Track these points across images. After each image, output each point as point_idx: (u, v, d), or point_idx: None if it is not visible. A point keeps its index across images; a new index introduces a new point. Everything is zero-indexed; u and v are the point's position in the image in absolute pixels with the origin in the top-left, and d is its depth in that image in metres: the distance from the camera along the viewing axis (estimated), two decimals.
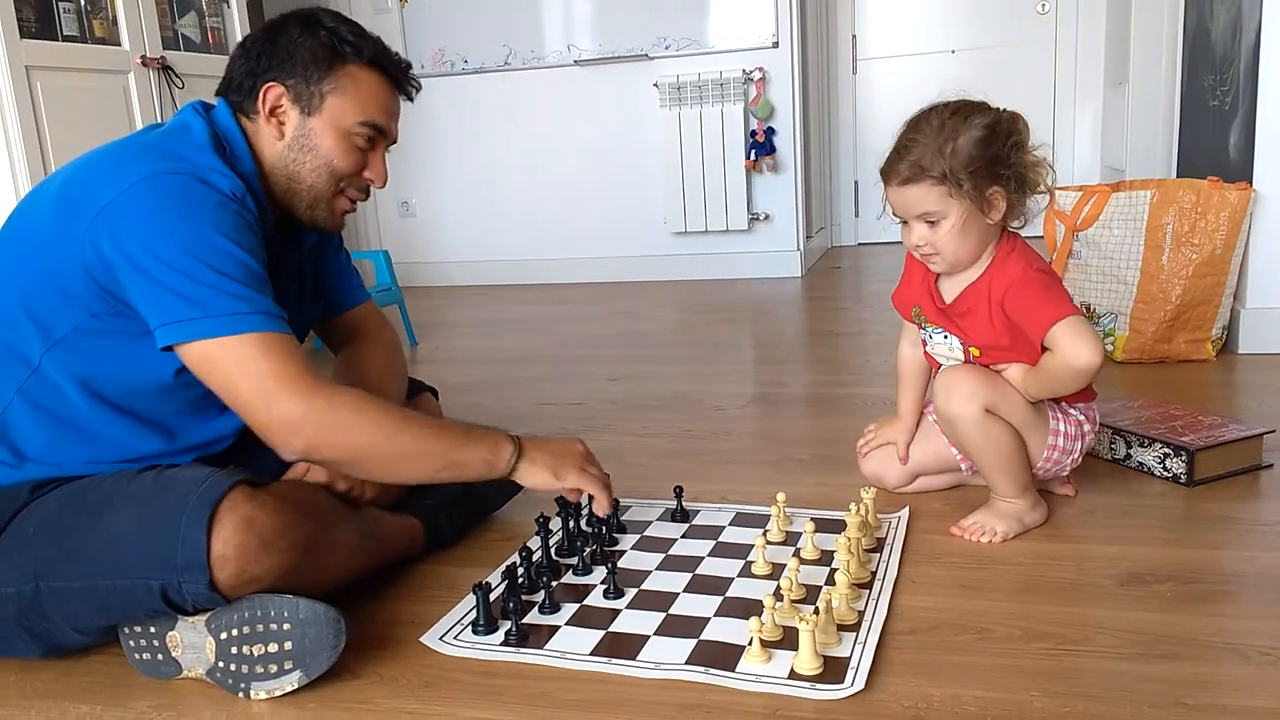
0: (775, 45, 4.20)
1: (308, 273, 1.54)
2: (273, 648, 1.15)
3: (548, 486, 1.38)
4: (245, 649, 1.15)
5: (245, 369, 1.17)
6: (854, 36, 5.12)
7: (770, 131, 4.26)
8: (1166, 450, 1.66)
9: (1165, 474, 1.67)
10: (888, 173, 1.44)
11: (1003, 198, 1.41)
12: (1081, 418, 1.54)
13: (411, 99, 1.44)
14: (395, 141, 1.42)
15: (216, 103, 1.36)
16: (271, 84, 1.31)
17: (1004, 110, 1.43)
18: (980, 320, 1.48)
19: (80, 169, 1.24)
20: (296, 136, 1.33)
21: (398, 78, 1.39)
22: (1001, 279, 1.45)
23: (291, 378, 1.18)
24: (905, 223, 1.47)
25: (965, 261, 1.47)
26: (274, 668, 1.15)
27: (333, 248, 1.59)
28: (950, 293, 1.52)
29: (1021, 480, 1.49)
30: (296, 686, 1.15)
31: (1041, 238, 2.63)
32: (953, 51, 4.91)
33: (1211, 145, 2.83)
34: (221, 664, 1.17)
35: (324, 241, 1.55)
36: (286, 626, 1.15)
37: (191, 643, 1.18)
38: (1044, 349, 1.43)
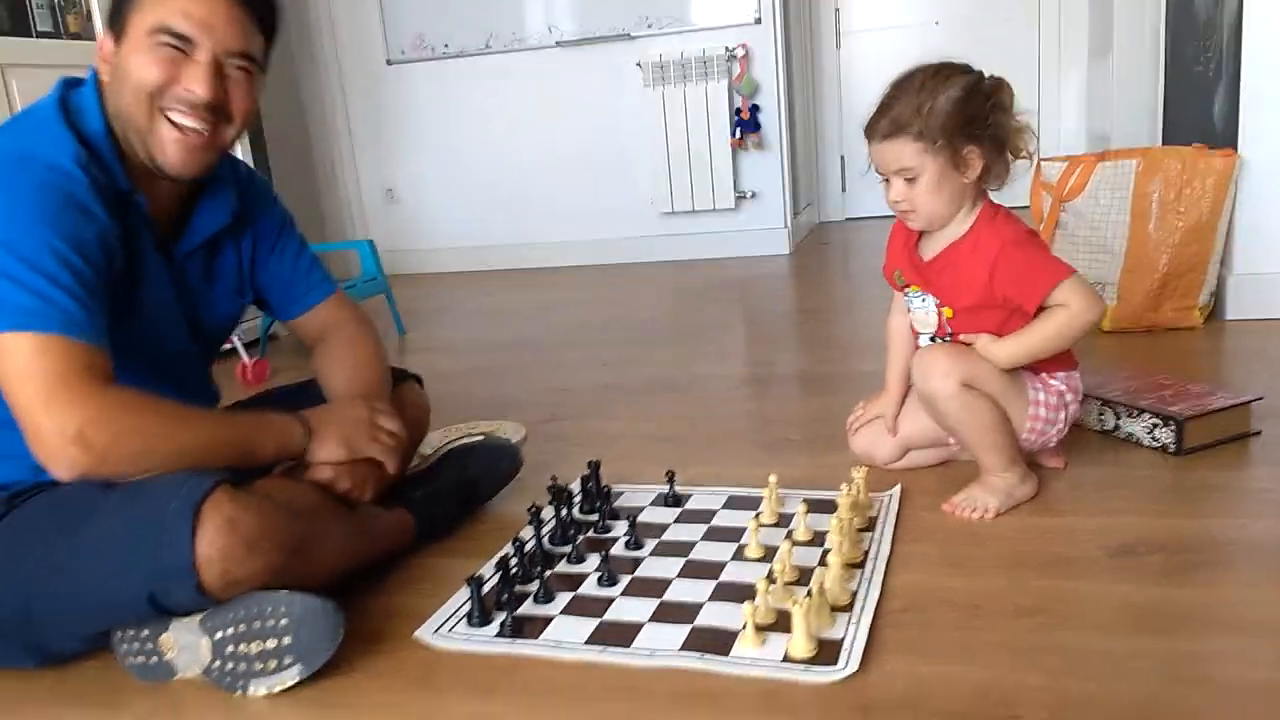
0: (758, 21, 4.17)
1: (227, 271, 1.47)
2: (271, 644, 1.15)
3: (341, 458, 1.34)
4: (242, 647, 1.15)
5: (26, 369, 1.12)
6: (837, 10, 5.09)
7: (755, 109, 4.24)
8: (1155, 420, 1.67)
9: (1154, 444, 1.67)
10: (869, 129, 1.49)
11: (978, 157, 1.46)
12: (1063, 387, 1.54)
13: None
14: (236, 52, 1.26)
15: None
16: (105, 32, 1.27)
17: (988, 75, 1.48)
18: (958, 278, 1.52)
19: None
20: (113, 70, 1.25)
21: None
22: (990, 241, 1.49)
23: (69, 386, 1.12)
24: (887, 180, 1.51)
25: (941, 219, 1.52)
26: (273, 664, 1.15)
27: (267, 249, 1.51)
28: (930, 252, 1.57)
29: (1008, 453, 1.50)
30: (298, 679, 1.15)
31: (1028, 208, 2.63)
32: (936, 23, 4.89)
33: (1196, 112, 2.82)
34: (218, 663, 1.16)
35: (258, 240, 1.49)
36: (284, 622, 1.14)
37: (186, 644, 1.18)
38: (1039, 310, 1.46)
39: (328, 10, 4.59)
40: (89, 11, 3.13)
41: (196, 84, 1.23)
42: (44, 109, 1.25)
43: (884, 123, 1.46)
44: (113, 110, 1.26)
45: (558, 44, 4.39)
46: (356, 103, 4.69)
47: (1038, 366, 1.52)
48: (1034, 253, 1.49)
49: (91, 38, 3.14)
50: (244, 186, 1.48)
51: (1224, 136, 2.52)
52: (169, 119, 1.24)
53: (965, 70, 1.47)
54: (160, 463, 1.17)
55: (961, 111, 1.43)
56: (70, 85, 1.29)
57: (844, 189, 5.28)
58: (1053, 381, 1.54)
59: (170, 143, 1.25)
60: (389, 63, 4.58)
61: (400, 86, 4.61)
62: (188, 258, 1.40)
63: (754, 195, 4.35)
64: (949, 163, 1.45)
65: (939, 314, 1.57)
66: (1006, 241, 1.48)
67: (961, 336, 1.54)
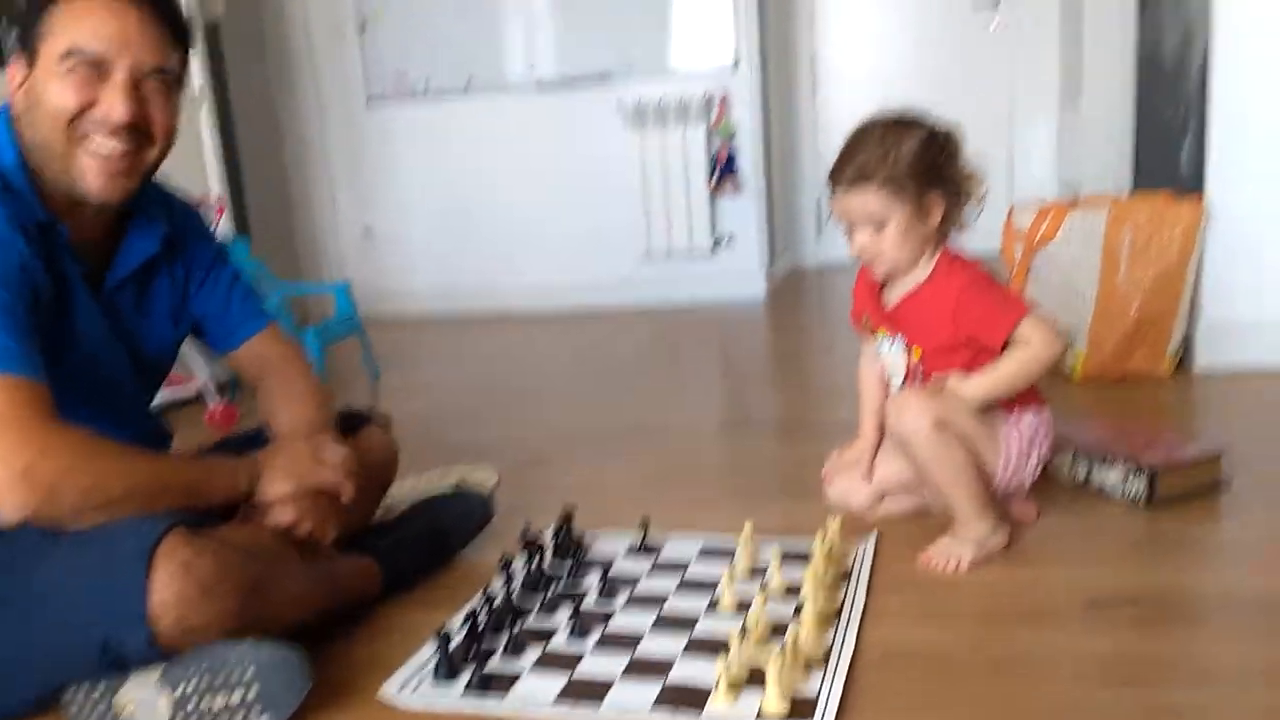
0: (736, 66, 4.21)
1: (161, 300, 1.43)
2: (236, 696, 1.11)
3: (290, 490, 1.31)
4: (205, 701, 1.11)
5: None
6: (812, 57, 5.15)
7: (732, 153, 4.27)
8: (1127, 470, 1.67)
9: (1126, 494, 1.67)
10: (834, 177, 1.54)
11: (940, 203, 1.51)
12: (1035, 420, 1.56)
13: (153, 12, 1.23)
14: (152, 69, 1.23)
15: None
16: (13, 58, 1.24)
17: (939, 123, 1.54)
18: (924, 322, 1.57)
19: None
20: (26, 99, 1.22)
21: None
22: (949, 286, 1.53)
23: (11, 422, 1.08)
24: (850, 230, 1.55)
25: (905, 266, 1.56)
26: (240, 716, 1.12)
27: (200, 279, 1.47)
28: (893, 299, 1.61)
29: (981, 497, 1.50)
30: None
31: (1000, 255, 2.65)
32: (912, 69, 4.96)
33: (1166, 158, 2.87)
34: (179, 719, 1.13)
35: (190, 270, 1.46)
36: (250, 672, 1.12)
37: (144, 700, 1.14)
38: (1003, 348, 1.50)
39: (307, 47, 4.60)
40: None
41: (115, 105, 1.20)
42: None
43: (849, 170, 1.51)
44: (29, 140, 1.23)
45: (537, 85, 4.42)
46: (335, 140, 4.69)
47: (1009, 405, 1.54)
48: (992, 293, 1.54)
49: None
50: (176, 216, 1.44)
51: (1192, 184, 2.56)
52: (89, 145, 1.21)
53: (919, 120, 1.53)
54: (108, 502, 1.14)
55: (923, 159, 1.48)
56: None
57: (819, 234, 5.32)
58: (1024, 418, 1.56)
59: (91, 169, 1.22)
60: (369, 100, 4.59)
61: (380, 125, 4.62)
62: (118, 289, 1.36)
63: (731, 239, 4.37)
64: (914, 209, 1.49)
65: (908, 355, 1.60)
66: (965, 284, 1.53)
67: (933, 376, 1.56)
